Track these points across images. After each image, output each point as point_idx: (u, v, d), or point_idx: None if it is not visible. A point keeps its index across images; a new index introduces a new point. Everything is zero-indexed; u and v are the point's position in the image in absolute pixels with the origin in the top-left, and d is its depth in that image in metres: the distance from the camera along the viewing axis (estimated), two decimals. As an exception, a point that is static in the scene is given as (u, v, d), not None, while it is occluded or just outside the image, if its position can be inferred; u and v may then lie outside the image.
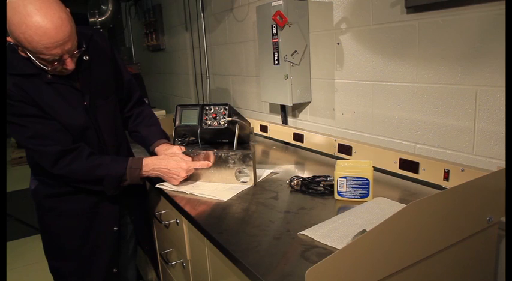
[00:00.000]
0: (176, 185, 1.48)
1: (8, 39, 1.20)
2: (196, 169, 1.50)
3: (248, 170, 1.46)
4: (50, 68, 1.23)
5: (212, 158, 1.50)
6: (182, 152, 1.53)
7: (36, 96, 1.27)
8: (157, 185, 1.50)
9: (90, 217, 1.48)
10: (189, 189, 1.44)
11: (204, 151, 1.51)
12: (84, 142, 1.38)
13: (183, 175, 1.45)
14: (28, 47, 1.16)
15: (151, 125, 1.69)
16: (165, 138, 1.66)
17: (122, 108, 1.62)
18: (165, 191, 1.46)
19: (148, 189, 1.71)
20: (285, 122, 2.18)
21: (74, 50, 1.23)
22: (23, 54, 1.22)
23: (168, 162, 1.45)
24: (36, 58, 1.20)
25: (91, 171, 1.34)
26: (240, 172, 1.48)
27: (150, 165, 1.43)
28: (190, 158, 1.50)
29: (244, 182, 1.47)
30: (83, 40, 1.30)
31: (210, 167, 1.50)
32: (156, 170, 1.44)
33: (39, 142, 1.29)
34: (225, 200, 1.33)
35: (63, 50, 1.19)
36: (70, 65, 1.24)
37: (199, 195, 1.39)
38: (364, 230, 0.96)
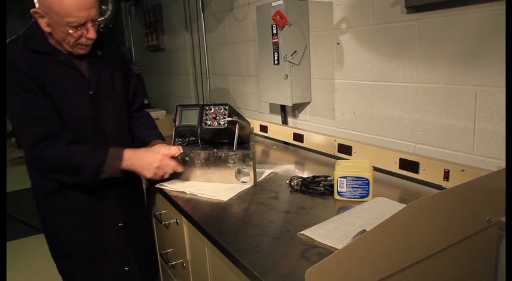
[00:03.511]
0: (171, 180, 1.51)
1: (34, 10, 1.27)
2: (182, 165, 1.49)
3: (248, 170, 1.46)
4: (74, 35, 1.28)
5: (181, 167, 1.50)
6: (180, 154, 1.52)
7: (44, 73, 1.31)
8: (158, 185, 1.50)
9: (92, 213, 1.47)
10: (189, 189, 1.44)
11: (204, 151, 1.51)
12: (81, 128, 1.40)
13: (156, 164, 1.42)
14: (57, 9, 1.22)
15: (150, 127, 1.70)
16: (163, 140, 1.65)
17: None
18: (165, 191, 1.46)
19: (148, 189, 1.71)
20: (285, 122, 2.18)
21: (97, 18, 1.32)
22: (46, 28, 1.28)
23: (144, 152, 1.45)
24: (63, 23, 1.25)
25: (68, 158, 1.33)
26: (240, 172, 1.48)
27: (127, 155, 1.41)
28: (169, 155, 1.46)
29: (244, 182, 1.47)
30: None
31: (205, 168, 1.51)
32: (132, 161, 1.41)
33: (25, 120, 1.31)
34: (225, 200, 1.33)
35: (89, 15, 1.27)
36: (92, 33, 1.31)
37: (199, 195, 1.39)
38: (364, 230, 0.96)
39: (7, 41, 1.34)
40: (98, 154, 1.36)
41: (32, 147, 1.32)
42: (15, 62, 1.28)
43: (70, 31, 1.27)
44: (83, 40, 1.32)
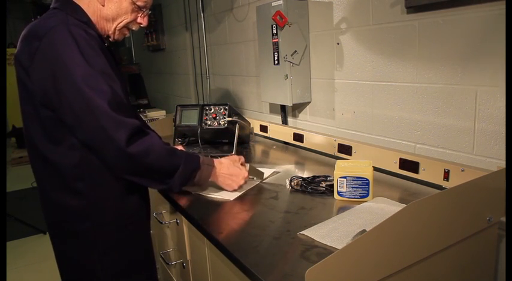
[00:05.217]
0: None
1: None
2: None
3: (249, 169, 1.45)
4: (130, 16, 1.22)
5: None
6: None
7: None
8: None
9: (145, 224, 1.34)
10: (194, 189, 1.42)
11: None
12: None
13: (242, 182, 1.36)
14: None
15: None
16: None
17: None
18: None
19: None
20: (285, 122, 2.18)
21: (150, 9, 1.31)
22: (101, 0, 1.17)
23: (227, 161, 1.36)
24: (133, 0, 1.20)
25: (169, 155, 1.15)
26: None
27: (216, 161, 1.30)
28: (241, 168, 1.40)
29: (252, 178, 1.47)
30: None
31: None
32: (223, 169, 1.32)
33: (120, 108, 1.07)
34: (232, 199, 1.31)
35: (151, 3, 1.26)
36: (146, 20, 1.29)
37: (205, 195, 1.37)
38: (364, 230, 0.96)
39: (53, 24, 1.06)
40: (192, 158, 1.21)
41: (129, 139, 1.06)
42: (83, 36, 1.06)
43: (131, 10, 1.21)
44: (134, 25, 1.26)
